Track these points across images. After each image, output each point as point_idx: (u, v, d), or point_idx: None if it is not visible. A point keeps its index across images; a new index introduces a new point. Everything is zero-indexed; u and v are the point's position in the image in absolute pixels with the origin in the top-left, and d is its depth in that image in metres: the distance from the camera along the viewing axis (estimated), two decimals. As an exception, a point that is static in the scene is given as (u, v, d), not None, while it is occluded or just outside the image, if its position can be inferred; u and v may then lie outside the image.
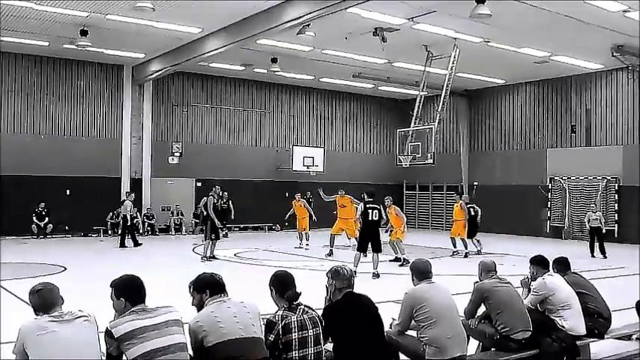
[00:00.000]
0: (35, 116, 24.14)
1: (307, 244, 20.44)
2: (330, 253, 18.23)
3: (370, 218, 13.94)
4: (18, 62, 23.74)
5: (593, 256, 18.64)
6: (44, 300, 4.21)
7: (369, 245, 14.08)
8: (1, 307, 10.17)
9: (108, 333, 4.18)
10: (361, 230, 14.26)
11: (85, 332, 4.08)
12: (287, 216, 22.75)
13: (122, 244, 20.47)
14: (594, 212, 19.64)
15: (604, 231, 19.32)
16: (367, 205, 14.04)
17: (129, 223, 20.86)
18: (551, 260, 7.14)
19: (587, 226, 19.56)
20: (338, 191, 19.41)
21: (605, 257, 18.37)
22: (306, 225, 21.10)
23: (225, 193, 23.45)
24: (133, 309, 4.32)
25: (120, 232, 21.31)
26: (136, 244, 20.73)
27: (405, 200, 32.18)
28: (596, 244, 18.97)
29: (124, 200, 21.45)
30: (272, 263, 16.01)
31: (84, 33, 19.50)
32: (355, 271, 13.45)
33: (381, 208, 14.54)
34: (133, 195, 21.97)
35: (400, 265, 15.95)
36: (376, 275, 13.85)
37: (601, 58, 22.95)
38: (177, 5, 17.46)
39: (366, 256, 14.08)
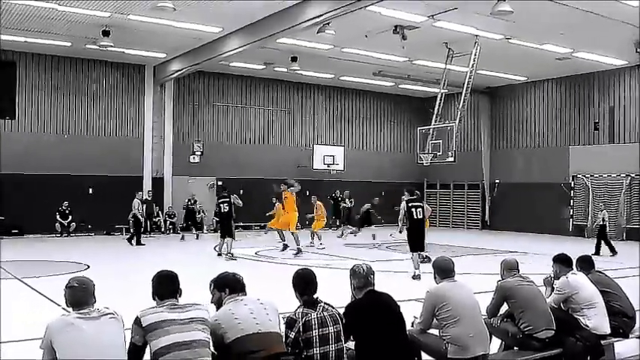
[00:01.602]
0: (58, 116, 24.43)
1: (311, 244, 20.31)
2: (299, 252, 17.88)
3: (415, 217, 13.78)
4: (41, 63, 24.03)
5: (596, 254, 18.08)
6: (74, 297, 4.30)
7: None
8: (28, 305, 10.33)
9: (136, 321, 4.29)
10: (409, 230, 13.95)
11: (110, 329, 4.14)
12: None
13: (138, 242, 20.63)
14: (601, 211, 20.06)
15: (607, 230, 19.51)
16: (410, 204, 13.86)
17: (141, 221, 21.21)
18: (574, 259, 7.08)
19: (597, 224, 19.89)
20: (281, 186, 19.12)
21: (614, 253, 18.37)
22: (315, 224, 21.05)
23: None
24: (164, 301, 4.43)
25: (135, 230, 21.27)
26: (138, 243, 20.65)
27: (425, 198, 32.03)
28: (602, 242, 19.15)
29: (152, 199, 21.78)
30: (292, 262, 16.04)
31: (106, 33, 19.69)
32: (419, 275, 13.28)
33: (424, 205, 14.34)
34: (141, 193, 22.07)
35: (421, 262, 15.82)
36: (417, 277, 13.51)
37: (624, 55, 22.69)
38: (197, 5, 17.56)
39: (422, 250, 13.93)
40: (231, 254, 17.09)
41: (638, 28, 18.63)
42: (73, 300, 4.28)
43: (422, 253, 14.01)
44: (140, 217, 21.16)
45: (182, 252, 19.65)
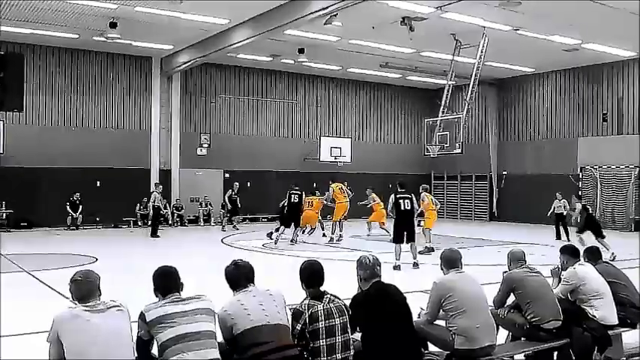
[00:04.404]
0: (65, 108, 24.48)
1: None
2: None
3: (403, 208, 13.97)
4: (48, 55, 24.07)
5: (559, 238, 19.93)
6: (79, 290, 4.31)
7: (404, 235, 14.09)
8: (36, 297, 10.39)
9: (141, 316, 4.31)
10: (395, 221, 14.21)
11: (117, 322, 4.15)
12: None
13: (154, 234, 20.83)
14: (559, 200, 20.88)
15: (565, 215, 20.63)
16: (398, 196, 14.08)
17: (161, 213, 21.28)
18: (581, 249, 7.07)
19: (552, 212, 21.05)
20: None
21: (569, 240, 18.57)
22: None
23: (237, 184, 24.04)
24: (167, 297, 4.42)
25: (150, 222, 21.60)
26: (154, 234, 20.97)
27: (433, 190, 31.97)
28: (562, 230, 20.53)
29: (153, 192, 21.81)
30: (299, 254, 16.05)
31: (113, 25, 19.70)
32: (399, 265, 13.55)
33: (413, 198, 14.44)
34: (161, 187, 22.29)
35: (420, 253, 15.72)
36: (416, 265, 13.83)
37: (633, 46, 22.54)
38: (204, -3, 17.56)
39: (402, 242, 14.04)
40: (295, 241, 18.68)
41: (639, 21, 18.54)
42: (78, 293, 4.29)
43: (413, 244, 14.15)
44: (160, 208, 21.32)
45: (190, 243, 19.72)
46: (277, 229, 19.06)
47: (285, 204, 19.15)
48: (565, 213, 20.53)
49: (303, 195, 19.40)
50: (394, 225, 14.28)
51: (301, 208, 19.09)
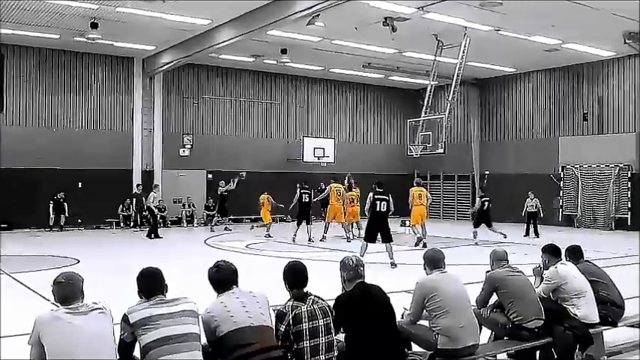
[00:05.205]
0: (46, 109, 24.26)
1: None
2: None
3: (378, 209, 14.06)
4: (29, 55, 23.85)
5: (527, 235, 21.06)
6: (62, 293, 4.27)
7: (379, 236, 14.20)
8: (17, 300, 10.28)
9: (124, 318, 4.28)
10: (369, 220, 14.31)
11: (99, 324, 4.12)
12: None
13: (156, 235, 20.94)
14: (532, 199, 21.65)
15: (541, 215, 21.89)
16: (376, 196, 14.14)
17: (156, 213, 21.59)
18: (563, 249, 7.12)
19: (525, 211, 21.89)
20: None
21: (538, 237, 20.37)
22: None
23: (222, 182, 23.99)
24: (151, 299, 4.40)
25: (152, 223, 21.55)
26: (156, 236, 21.02)
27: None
28: (532, 227, 21.49)
29: (141, 193, 21.89)
30: (283, 254, 16.04)
31: (94, 25, 19.57)
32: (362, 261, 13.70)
33: (390, 199, 14.46)
34: (159, 187, 22.47)
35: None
36: (394, 265, 13.90)
37: (613, 45, 22.78)
38: (186, -3, 17.48)
39: (373, 242, 14.21)
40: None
41: (638, 21, 18.71)
42: (61, 296, 4.25)
43: (389, 244, 14.19)
44: (155, 210, 21.40)
45: (172, 245, 19.63)
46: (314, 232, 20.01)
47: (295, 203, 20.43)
48: (536, 211, 21.29)
49: (312, 193, 20.35)
50: (367, 224, 14.42)
51: (311, 206, 20.22)
